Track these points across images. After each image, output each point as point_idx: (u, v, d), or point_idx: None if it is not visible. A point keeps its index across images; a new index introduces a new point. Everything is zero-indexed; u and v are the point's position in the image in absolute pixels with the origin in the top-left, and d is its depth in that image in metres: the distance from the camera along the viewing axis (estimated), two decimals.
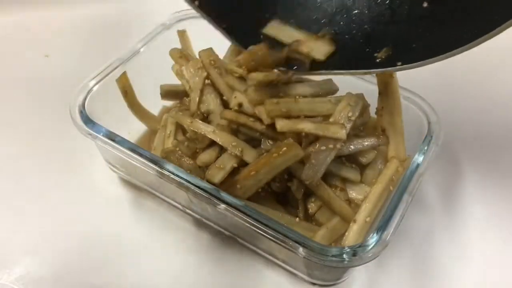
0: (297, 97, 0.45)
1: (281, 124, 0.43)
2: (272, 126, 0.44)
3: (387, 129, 0.47)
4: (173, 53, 0.54)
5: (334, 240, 0.45)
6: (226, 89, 0.49)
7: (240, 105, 0.46)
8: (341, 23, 0.44)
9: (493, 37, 0.32)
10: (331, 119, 0.44)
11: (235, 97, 0.46)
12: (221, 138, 0.45)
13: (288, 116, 0.44)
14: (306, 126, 0.43)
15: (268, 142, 0.45)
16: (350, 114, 0.45)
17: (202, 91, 0.49)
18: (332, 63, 0.42)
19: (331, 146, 0.43)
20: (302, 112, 0.45)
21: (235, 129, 0.47)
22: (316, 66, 0.43)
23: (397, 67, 0.38)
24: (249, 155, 0.45)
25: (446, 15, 0.37)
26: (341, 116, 0.44)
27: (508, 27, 0.31)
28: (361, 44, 0.42)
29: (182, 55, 0.53)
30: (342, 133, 0.43)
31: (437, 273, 0.49)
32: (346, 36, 0.43)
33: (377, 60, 0.40)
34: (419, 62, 0.37)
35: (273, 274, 0.49)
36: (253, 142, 0.47)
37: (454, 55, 0.35)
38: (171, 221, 0.53)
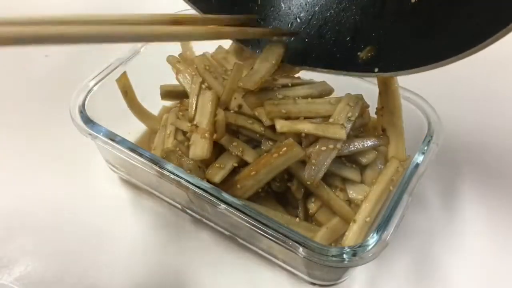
0: (296, 98, 0.46)
1: (281, 125, 0.43)
2: (271, 127, 0.44)
3: (387, 129, 0.47)
4: (171, 59, 0.54)
5: (334, 240, 0.45)
6: (223, 92, 0.49)
7: (240, 106, 0.46)
8: (331, 12, 0.43)
9: (487, 46, 0.29)
10: (330, 120, 0.44)
11: (234, 98, 0.46)
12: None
13: (287, 117, 0.44)
14: (306, 127, 0.43)
15: (268, 143, 0.45)
16: (349, 115, 0.45)
17: (198, 96, 0.49)
18: (316, 58, 0.42)
19: (331, 146, 0.43)
20: (301, 113, 0.45)
21: (235, 131, 0.47)
22: (298, 60, 0.43)
23: (376, 73, 0.37)
24: (250, 155, 0.45)
25: (434, 18, 0.36)
26: (340, 116, 0.44)
27: (505, 34, 0.29)
28: (346, 38, 0.41)
29: (179, 61, 0.53)
30: (342, 133, 0.43)
31: (437, 273, 0.49)
32: (337, 28, 0.42)
33: (359, 61, 0.39)
34: (400, 71, 0.35)
35: (273, 274, 0.49)
36: (253, 142, 0.47)
37: (435, 67, 0.33)
38: (171, 221, 0.53)
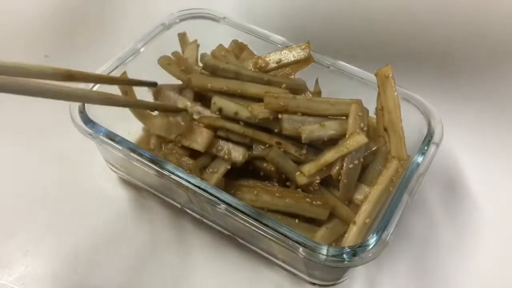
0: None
1: (308, 171, 0.44)
2: (251, 125, 0.45)
3: (388, 129, 0.48)
4: (162, 61, 0.54)
5: (334, 241, 0.45)
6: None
7: (220, 110, 0.46)
8: None
9: None
10: (347, 135, 0.45)
11: (214, 103, 0.47)
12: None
13: (285, 110, 0.45)
14: (328, 157, 0.44)
15: (260, 147, 0.46)
16: (362, 125, 0.45)
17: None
18: None
19: (356, 162, 0.44)
20: (299, 108, 0.46)
21: (224, 137, 0.47)
22: None
23: None
24: (237, 154, 0.45)
25: None
26: (356, 130, 0.45)
27: None
28: None
29: (170, 62, 0.53)
30: (363, 138, 0.44)
31: (436, 273, 0.49)
32: None
33: None
34: None
35: (273, 274, 0.49)
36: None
37: None
38: (171, 221, 0.53)
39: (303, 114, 0.46)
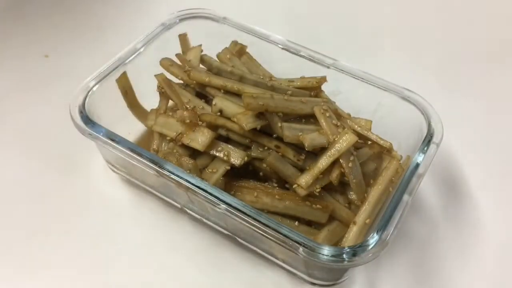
0: (273, 94, 0.47)
1: (306, 183, 0.44)
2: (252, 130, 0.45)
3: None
4: (164, 63, 0.54)
5: (335, 243, 0.45)
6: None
7: (220, 111, 0.46)
8: None
9: None
10: (331, 137, 0.45)
11: (214, 104, 0.47)
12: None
13: (266, 110, 0.45)
14: (322, 164, 0.44)
15: (259, 149, 0.46)
16: (334, 122, 0.45)
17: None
18: None
19: (352, 158, 0.44)
20: (278, 108, 0.46)
21: (225, 137, 0.47)
22: None
23: None
24: (236, 156, 0.45)
25: None
26: (331, 128, 0.45)
27: None
28: None
29: (173, 64, 0.53)
30: (352, 136, 0.44)
31: (436, 273, 0.49)
32: None
33: None
34: None
35: (273, 274, 0.49)
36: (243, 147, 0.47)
37: None
38: (171, 221, 0.53)
39: (284, 114, 0.46)
